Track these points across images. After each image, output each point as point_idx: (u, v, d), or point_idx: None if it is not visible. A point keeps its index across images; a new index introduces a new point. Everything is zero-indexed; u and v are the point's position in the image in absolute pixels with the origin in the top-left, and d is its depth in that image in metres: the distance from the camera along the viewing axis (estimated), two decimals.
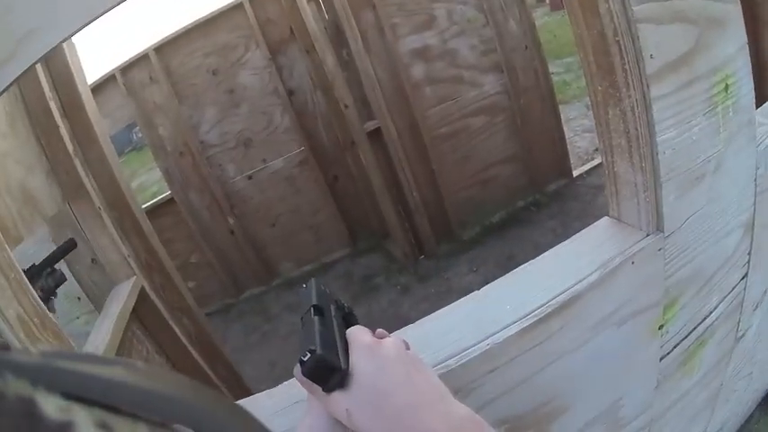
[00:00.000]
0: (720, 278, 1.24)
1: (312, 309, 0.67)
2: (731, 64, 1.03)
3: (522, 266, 1.06)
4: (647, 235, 0.97)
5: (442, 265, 4.19)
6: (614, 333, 1.02)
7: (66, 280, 1.80)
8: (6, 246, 0.82)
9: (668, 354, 1.18)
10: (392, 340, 0.64)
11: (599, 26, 0.89)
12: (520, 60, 4.08)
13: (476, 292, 1.02)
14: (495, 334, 0.88)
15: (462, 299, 1.02)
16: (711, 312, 1.27)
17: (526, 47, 4.07)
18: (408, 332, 0.99)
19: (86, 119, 2.16)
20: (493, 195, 4.35)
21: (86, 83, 2.25)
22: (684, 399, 1.37)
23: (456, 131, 4.13)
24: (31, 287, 0.85)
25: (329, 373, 0.59)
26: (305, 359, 0.58)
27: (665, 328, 1.11)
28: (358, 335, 0.64)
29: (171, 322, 2.27)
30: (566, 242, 1.08)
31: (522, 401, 0.98)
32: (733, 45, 1.03)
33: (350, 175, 4.63)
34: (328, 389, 0.60)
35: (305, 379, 0.61)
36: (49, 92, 1.97)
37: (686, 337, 1.21)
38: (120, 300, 1.93)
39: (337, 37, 3.83)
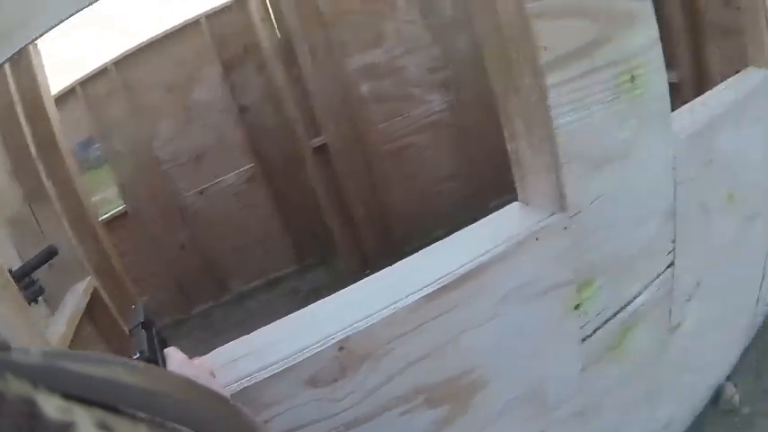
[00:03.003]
0: (641, 265, 1.27)
1: (141, 324, 0.83)
2: (638, 57, 1.08)
3: (431, 246, 1.09)
4: (552, 214, 1.00)
5: None
6: (526, 308, 1.05)
7: (44, 292, 1.72)
8: None
9: (590, 336, 1.20)
10: (201, 361, 0.84)
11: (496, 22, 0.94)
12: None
13: (388, 268, 1.05)
14: (399, 300, 0.92)
15: (374, 275, 1.05)
16: (635, 298, 1.29)
17: None
18: (317, 307, 1.02)
19: (49, 126, 2.23)
20: (437, 211, 4.34)
21: (50, 91, 2.33)
22: (619, 387, 1.37)
23: (403, 147, 4.21)
24: None
25: None
26: (136, 358, 0.74)
27: (582, 308, 1.13)
28: (175, 352, 0.81)
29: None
30: (474, 224, 1.11)
31: (436, 371, 1.00)
32: (641, 39, 1.08)
33: (298, 191, 4.62)
34: None
35: None
36: (15, 94, 2.04)
37: (609, 320, 1.23)
38: (75, 298, 1.98)
39: (289, 54, 3.90)
